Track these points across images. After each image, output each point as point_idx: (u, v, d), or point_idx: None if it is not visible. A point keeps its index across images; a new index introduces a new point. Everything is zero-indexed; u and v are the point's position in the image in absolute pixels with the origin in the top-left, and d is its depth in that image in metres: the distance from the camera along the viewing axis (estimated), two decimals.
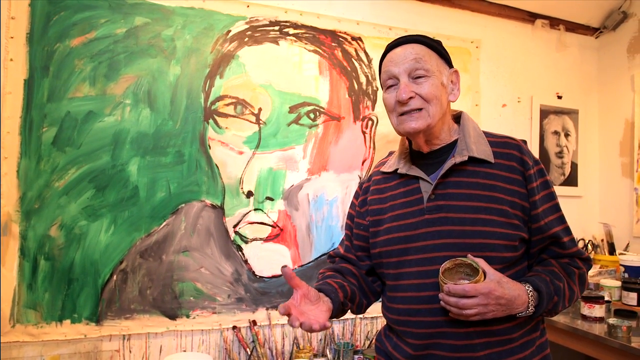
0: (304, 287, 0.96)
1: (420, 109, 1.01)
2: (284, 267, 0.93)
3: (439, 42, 1.08)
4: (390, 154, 1.22)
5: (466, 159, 1.01)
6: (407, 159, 1.12)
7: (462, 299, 0.90)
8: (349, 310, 1.13)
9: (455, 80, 1.09)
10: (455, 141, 1.07)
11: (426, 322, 0.99)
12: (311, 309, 0.95)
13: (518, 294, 0.93)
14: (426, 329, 0.99)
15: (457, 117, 1.13)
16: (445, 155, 1.07)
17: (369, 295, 1.19)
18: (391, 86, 1.05)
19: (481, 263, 0.93)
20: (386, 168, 1.15)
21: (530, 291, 0.96)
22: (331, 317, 1.01)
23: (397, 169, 1.11)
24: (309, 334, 1.98)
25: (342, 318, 2.02)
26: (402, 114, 1.03)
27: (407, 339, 1.02)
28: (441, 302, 0.94)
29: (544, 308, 0.97)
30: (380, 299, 1.19)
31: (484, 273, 0.92)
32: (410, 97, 1.01)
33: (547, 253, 1.05)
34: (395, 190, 1.10)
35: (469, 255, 0.95)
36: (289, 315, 0.89)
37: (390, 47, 1.07)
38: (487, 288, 0.90)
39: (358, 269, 1.19)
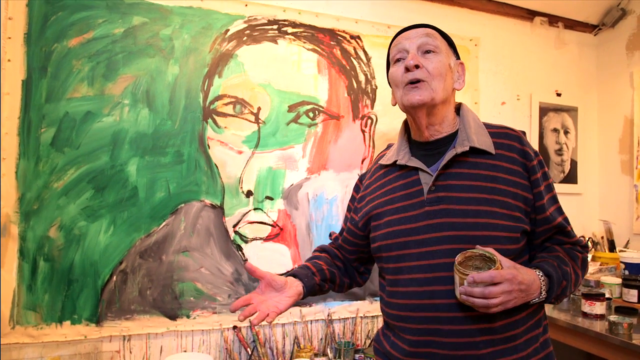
0: (267, 276, 1.05)
1: (424, 82, 1.02)
2: (245, 262, 0.98)
3: (449, 36, 1.11)
4: (389, 146, 1.21)
5: (467, 149, 1.00)
6: (407, 150, 1.11)
7: (489, 287, 0.87)
8: (331, 289, 1.22)
9: (461, 71, 1.11)
10: (456, 132, 1.07)
11: (427, 317, 0.97)
12: (275, 295, 1.05)
13: (533, 279, 0.93)
14: (426, 324, 0.97)
15: (457, 109, 1.12)
16: (445, 146, 1.06)
17: (356, 277, 1.27)
18: (399, 60, 1.07)
19: (494, 252, 0.91)
20: (385, 160, 1.14)
21: (542, 276, 0.95)
22: (305, 297, 1.11)
23: (396, 161, 1.10)
24: (309, 332, 1.98)
25: (342, 317, 2.04)
26: (406, 85, 1.04)
27: (404, 335, 1.01)
28: (461, 296, 0.90)
29: (554, 293, 0.96)
30: (378, 297, 1.20)
31: (500, 262, 0.90)
32: (417, 66, 1.01)
33: (551, 242, 1.06)
34: (395, 183, 1.09)
35: (478, 246, 0.94)
36: (245, 306, 1.01)
37: (403, 29, 1.10)
38: (511, 274, 0.88)
39: (344, 255, 1.26)
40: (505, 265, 0.90)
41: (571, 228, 1.06)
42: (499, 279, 0.87)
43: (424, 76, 1.02)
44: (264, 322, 1.93)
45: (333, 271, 1.19)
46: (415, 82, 1.02)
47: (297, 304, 1.25)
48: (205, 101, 1.88)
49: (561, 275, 0.97)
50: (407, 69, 1.02)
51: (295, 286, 1.08)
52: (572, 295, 2.11)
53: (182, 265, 1.81)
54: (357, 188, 1.23)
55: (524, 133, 1.08)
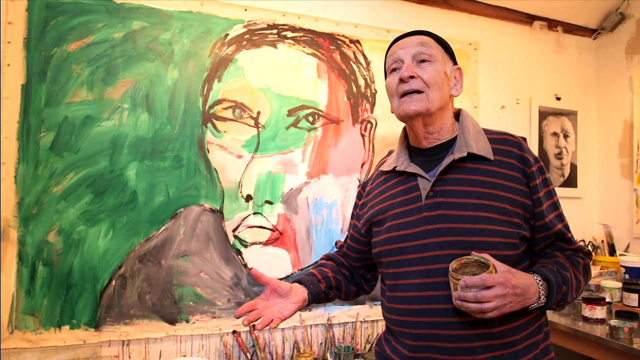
0: (273, 282, 1.05)
1: (420, 92, 1.02)
2: (250, 269, 0.98)
3: (446, 42, 1.11)
4: (390, 152, 1.22)
5: (465, 155, 1.01)
6: (406, 157, 1.12)
7: (481, 291, 0.87)
8: (337, 297, 1.22)
9: (459, 77, 1.11)
10: (455, 138, 1.07)
11: (426, 322, 0.98)
12: (279, 301, 1.05)
13: (530, 283, 0.93)
14: (425, 329, 0.97)
15: (457, 115, 1.13)
16: (444, 152, 1.06)
17: (363, 285, 1.27)
18: (395, 70, 1.07)
19: (488, 257, 0.92)
20: (385, 167, 1.16)
21: (540, 281, 0.95)
22: (310, 304, 1.12)
23: (395, 167, 1.11)
24: (309, 337, 1.97)
25: (342, 321, 2.03)
26: (402, 96, 1.04)
27: (404, 340, 1.01)
28: (456, 301, 0.91)
29: (554, 298, 0.96)
30: (380, 302, 1.21)
31: (494, 267, 0.91)
32: (412, 77, 1.02)
33: (552, 248, 1.05)
34: (395, 189, 1.10)
35: (473, 252, 0.94)
36: (250, 312, 1.00)
37: (398, 38, 1.10)
38: (504, 277, 0.88)
39: (350, 263, 1.26)
40: (499, 270, 0.91)
41: (572, 235, 1.05)
42: (491, 282, 0.87)
43: (420, 86, 1.02)
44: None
45: (339, 278, 1.20)
46: (410, 92, 1.03)
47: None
48: (204, 105, 1.87)
49: (561, 281, 0.96)
50: (402, 80, 1.03)
51: (300, 292, 1.08)
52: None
53: (182, 269, 1.80)
54: (359, 195, 1.24)
55: (524, 139, 1.08)
